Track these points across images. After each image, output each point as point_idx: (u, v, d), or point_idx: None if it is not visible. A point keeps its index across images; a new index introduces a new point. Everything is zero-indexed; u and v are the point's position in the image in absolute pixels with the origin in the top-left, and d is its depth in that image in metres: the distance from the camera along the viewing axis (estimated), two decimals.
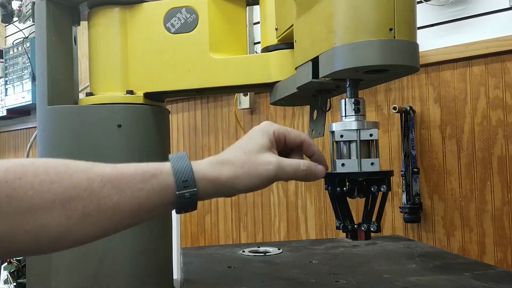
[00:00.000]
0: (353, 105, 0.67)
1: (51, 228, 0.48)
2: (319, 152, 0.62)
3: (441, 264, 0.94)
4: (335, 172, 0.66)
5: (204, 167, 0.56)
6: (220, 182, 0.56)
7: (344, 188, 0.67)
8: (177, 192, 0.53)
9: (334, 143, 0.67)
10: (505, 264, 1.29)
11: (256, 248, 1.13)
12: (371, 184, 0.66)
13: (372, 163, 0.65)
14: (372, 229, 0.66)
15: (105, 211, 0.50)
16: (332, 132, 0.67)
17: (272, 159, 0.57)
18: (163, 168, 0.54)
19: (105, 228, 0.51)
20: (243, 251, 1.11)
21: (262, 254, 1.09)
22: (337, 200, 0.67)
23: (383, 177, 0.65)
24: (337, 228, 0.68)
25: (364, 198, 0.68)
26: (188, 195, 0.53)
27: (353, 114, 0.66)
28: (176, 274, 1.12)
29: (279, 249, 1.12)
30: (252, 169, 0.56)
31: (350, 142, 0.66)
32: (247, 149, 0.57)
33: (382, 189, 0.65)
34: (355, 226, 0.67)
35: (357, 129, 0.65)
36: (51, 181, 0.49)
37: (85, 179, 0.50)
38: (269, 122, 0.60)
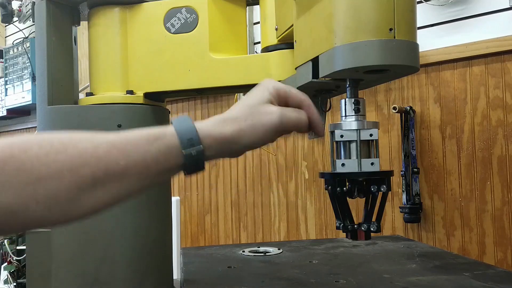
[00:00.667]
0: (353, 105, 0.66)
1: (62, 196, 0.49)
2: (317, 115, 0.61)
3: (441, 264, 0.94)
4: (335, 172, 0.66)
5: (208, 124, 0.56)
6: (225, 138, 0.56)
7: (344, 188, 0.67)
8: (183, 151, 0.53)
9: (334, 143, 0.67)
10: (505, 264, 1.29)
11: (256, 248, 1.13)
12: (371, 184, 0.65)
13: (372, 163, 0.65)
14: (372, 229, 0.66)
15: (114, 175, 0.51)
16: (332, 132, 0.67)
17: (274, 108, 0.58)
18: (167, 130, 0.55)
19: (115, 193, 0.51)
20: (243, 251, 1.11)
21: (262, 254, 1.09)
22: (337, 200, 0.67)
23: (383, 177, 0.65)
24: (337, 228, 0.68)
25: (364, 198, 0.68)
26: (194, 153, 0.54)
27: (353, 114, 0.66)
28: (176, 274, 1.12)
29: (279, 249, 1.12)
30: (256, 120, 0.57)
31: (350, 142, 0.66)
32: (249, 103, 0.58)
33: (382, 189, 0.65)
34: (355, 226, 0.67)
35: (357, 129, 0.65)
36: (57, 151, 0.49)
37: (90, 146, 0.51)
38: (270, 79, 0.61)
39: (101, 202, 0.51)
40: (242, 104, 0.58)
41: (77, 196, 0.49)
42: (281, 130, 0.58)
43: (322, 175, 0.69)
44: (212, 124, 0.56)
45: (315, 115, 0.61)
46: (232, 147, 0.57)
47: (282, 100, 0.60)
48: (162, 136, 0.54)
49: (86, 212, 0.51)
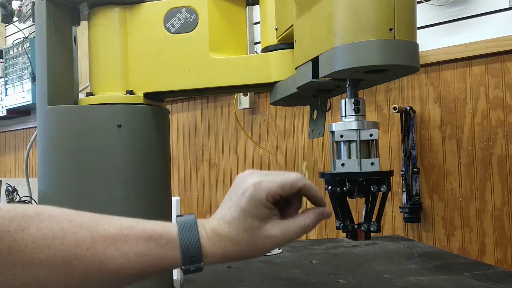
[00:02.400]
0: (353, 105, 0.66)
1: (49, 285, 0.47)
2: (319, 193, 0.59)
3: (441, 264, 0.94)
4: (335, 172, 0.66)
5: (212, 242, 0.53)
6: (226, 258, 0.54)
7: (344, 188, 0.67)
8: (182, 267, 0.52)
9: (334, 143, 0.67)
10: (505, 264, 1.29)
11: None
12: (371, 184, 0.65)
13: (372, 163, 0.65)
14: (372, 229, 0.66)
15: (107, 272, 0.49)
16: (332, 132, 0.67)
17: (275, 232, 0.55)
18: (170, 237, 0.52)
19: None
20: None
21: None
22: (337, 200, 0.67)
23: (383, 177, 0.65)
24: (337, 228, 0.68)
25: (364, 198, 0.68)
26: (193, 268, 0.53)
27: (353, 114, 0.66)
28: (176, 274, 1.12)
29: (279, 249, 1.12)
30: (258, 246, 0.55)
31: (350, 142, 0.66)
32: (247, 226, 0.54)
33: (382, 189, 0.65)
34: (355, 226, 0.67)
35: (357, 129, 0.65)
36: (54, 236, 0.48)
37: (88, 238, 0.49)
38: (256, 182, 0.55)
39: None
40: (240, 223, 0.54)
41: (63, 286, 0.48)
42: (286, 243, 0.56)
43: (322, 175, 0.69)
44: (216, 241, 0.54)
45: (317, 196, 0.58)
46: (231, 263, 0.56)
47: (278, 199, 0.55)
48: (165, 242, 0.52)
49: None
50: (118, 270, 0.49)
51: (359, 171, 0.65)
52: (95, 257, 0.49)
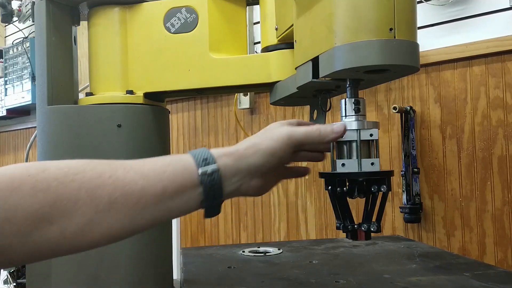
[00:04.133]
0: (353, 105, 0.66)
1: (77, 218, 0.47)
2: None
3: (441, 264, 0.94)
4: (335, 172, 0.66)
5: (223, 148, 0.57)
6: (238, 153, 0.56)
7: (344, 188, 0.67)
8: (199, 169, 0.53)
9: (335, 143, 0.67)
10: (505, 264, 1.29)
11: (256, 248, 1.13)
12: (371, 184, 0.65)
13: (372, 163, 0.65)
14: (372, 229, 0.66)
15: (131, 196, 0.50)
16: None
17: (284, 126, 0.60)
18: (182, 155, 0.56)
19: (130, 217, 0.50)
20: (243, 251, 1.11)
21: (262, 254, 1.09)
22: (338, 200, 0.67)
23: (383, 177, 0.65)
24: (337, 228, 0.68)
25: (364, 198, 0.68)
26: (210, 170, 0.53)
27: (353, 114, 0.66)
28: (176, 274, 1.12)
29: (279, 249, 1.12)
30: (268, 135, 0.59)
31: (350, 142, 0.66)
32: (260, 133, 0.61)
33: (382, 189, 0.65)
34: (355, 226, 0.67)
35: (357, 129, 0.65)
36: (75, 172, 0.49)
37: (108, 168, 0.51)
38: (287, 125, 0.62)
39: (114, 227, 0.50)
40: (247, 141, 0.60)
41: (91, 218, 0.48)
42: (292, 142, 0.59)
43: (322, 175, 0.69)
44: (227, 147, 0.58)
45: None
46: (248, 162, 0.56)
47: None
48: (178, 158, 0.55)
49: (99, 238, 0.50)
50: (140, 191, 0.50)
51: (359, 171, 0.65)
52: (118, 182, 0.50)
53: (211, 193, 0.54)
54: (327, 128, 0.62)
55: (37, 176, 0.47)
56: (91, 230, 0.48)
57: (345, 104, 0.67)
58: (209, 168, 0.53)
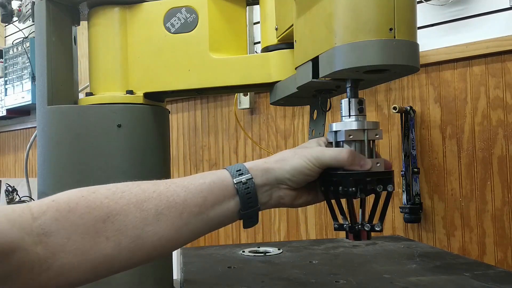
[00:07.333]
0: (357, 105, 0.66)
1: (129, 231, 0.52)
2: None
3: (441, 264, 0.94)
4: (335, 172, 0.66)
5: (254, 163, 0.62)
6: (267, 165, 0.61)
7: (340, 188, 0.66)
8: (234, 179, 0.58)
9: (335, 143, 0.67)
10: (505, 264, 1.29)
11: (256, 248, 1.13)
12: (376, 184, 0.65)
13: (377, 163, 0.65)
14: (377, 228, 0.65)
15: (175, 207, 0.54)
16: (336, 132, 0.66)
17: (317, 147, 0.64)
18: (218, 170, 0.61)
19: (176, 229, 0.54)
20: (243, 251, 1.11)
21: (262, 254, 1.09)
22: (347, 201, 0.67)
23: (383, 177, 0.65)
24: (335, 229, 0.67)
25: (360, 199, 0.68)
26: (244, 180, 0.58)
27: (353, 114, 0.66)
28: (176, 274, 1.12)
29: (279, 249, 1.12)
30: (298, 151, 0.62)
31: (355, 142, 0.65)
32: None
33: (389, 189, 0.64)
34: (357, 226, 0.67)
35: (364, 129, 0.65)
36: (122, 190, 0.54)
37: (151, 184, 0.56)
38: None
39: (164, 239, 0.54)
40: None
41: (142, 230, 0.52)
42: (321, 162, 0.61)
43: (323, 175, 0.69)
44: (260, 159, 0.63)
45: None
46: (276, 174, 0.60)
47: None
48: (214, 172, 0.60)
49: (151, 250, 0.54)
50: (183, 202, 0.55)
51: (369, 171, 0.64)
52: (162, 196, 0.55)
53: (247, 201, 0.58)
54: (355, 159, 0.63)
55: (89, 197, 0.52)
56: (143, 243, 0.53)
57: (349, 103, 0.67)
58: (243, 178, 0.58)
